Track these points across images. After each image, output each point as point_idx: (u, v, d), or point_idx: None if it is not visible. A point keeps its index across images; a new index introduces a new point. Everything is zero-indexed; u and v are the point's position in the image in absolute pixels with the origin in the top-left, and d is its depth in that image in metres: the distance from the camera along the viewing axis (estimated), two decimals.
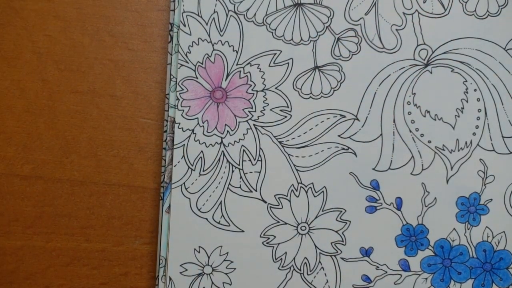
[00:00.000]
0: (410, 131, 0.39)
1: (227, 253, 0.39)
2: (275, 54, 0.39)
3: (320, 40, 0.39)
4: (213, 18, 0.39)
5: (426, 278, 0.39)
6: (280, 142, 0.39)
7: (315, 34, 0.39)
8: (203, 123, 0.39)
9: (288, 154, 0.39)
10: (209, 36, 0.39)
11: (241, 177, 0.39)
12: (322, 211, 0.39)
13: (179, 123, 0.39)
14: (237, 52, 0.39)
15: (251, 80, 0.39)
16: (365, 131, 0.39)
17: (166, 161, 0.39)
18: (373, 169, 0.39)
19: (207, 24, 0.39)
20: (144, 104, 0.40)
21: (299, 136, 0.39)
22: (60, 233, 0.40)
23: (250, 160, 0.39)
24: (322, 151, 0.39)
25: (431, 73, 0.39)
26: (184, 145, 0.39)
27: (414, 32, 0.39)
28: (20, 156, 0.40)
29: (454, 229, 0.39)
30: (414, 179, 0.39)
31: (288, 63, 0.39)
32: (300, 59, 0.39)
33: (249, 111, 0.39)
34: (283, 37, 0.39)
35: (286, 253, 0.39)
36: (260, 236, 0.39)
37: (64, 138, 0.40)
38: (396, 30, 0.39)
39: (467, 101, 0.39)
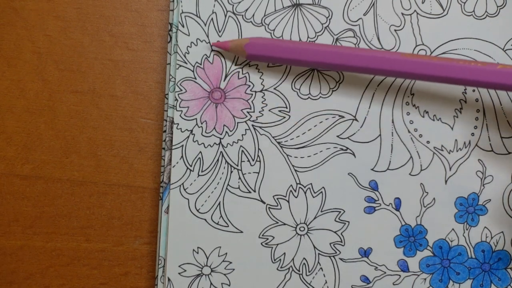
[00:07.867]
0: (409, 132, 0.39)
1: (226, 253, 0.39)
2: None
3: (318, 40, 0.39)
4: (212, 19, 0.39)
5: (425, 279, 0.39)
6: (279, 143, 0.39)
7: (313, 35, 0.39)
8: (201, 123, 0.39)
9: (287, 155, 0.39)
10: (207, 36, 0.39)
11: (239, 178, 0.39)
12: (321, 211, 0.39)
13: (178, 124, 0.39)
14: None
15: (249, 81, 0.39)
16: (363, 131, 0.39)
17: (165, 161, 0.39)
18: (372, 169, 0.39)
19: (205, 24, 0.39)
20: (144, 104, 0.40)
21: (298, 136, 0.39)
22: (60, 233, 0.40)
23: (248, 160, 0.39)
24: (321, 151, 0.39)
25: None
26: (182, 145, 0.39)
27: (413, 32, 0.39)
28: (20, 156, 0.40)
29: (453, 229, 0.39)
30: (412, 179, 0.39)
31: None
32: None
33: (248, 112, 0.39)
34: (281, 38, 0.39)
35: (284, 253, 0.39)
36: (259, 237, 0.39)
37: (64, 138, 0.40)
38: (395, 30, 0.39)
39: (465, 102, 0.39)
